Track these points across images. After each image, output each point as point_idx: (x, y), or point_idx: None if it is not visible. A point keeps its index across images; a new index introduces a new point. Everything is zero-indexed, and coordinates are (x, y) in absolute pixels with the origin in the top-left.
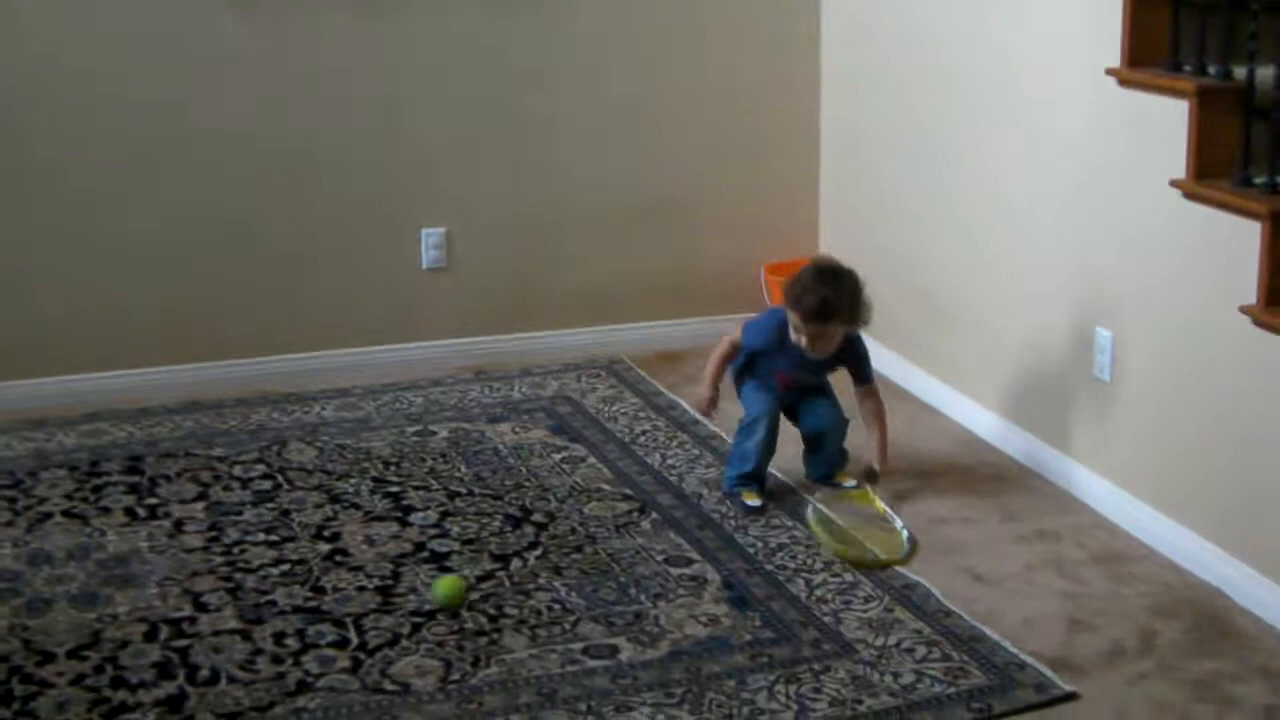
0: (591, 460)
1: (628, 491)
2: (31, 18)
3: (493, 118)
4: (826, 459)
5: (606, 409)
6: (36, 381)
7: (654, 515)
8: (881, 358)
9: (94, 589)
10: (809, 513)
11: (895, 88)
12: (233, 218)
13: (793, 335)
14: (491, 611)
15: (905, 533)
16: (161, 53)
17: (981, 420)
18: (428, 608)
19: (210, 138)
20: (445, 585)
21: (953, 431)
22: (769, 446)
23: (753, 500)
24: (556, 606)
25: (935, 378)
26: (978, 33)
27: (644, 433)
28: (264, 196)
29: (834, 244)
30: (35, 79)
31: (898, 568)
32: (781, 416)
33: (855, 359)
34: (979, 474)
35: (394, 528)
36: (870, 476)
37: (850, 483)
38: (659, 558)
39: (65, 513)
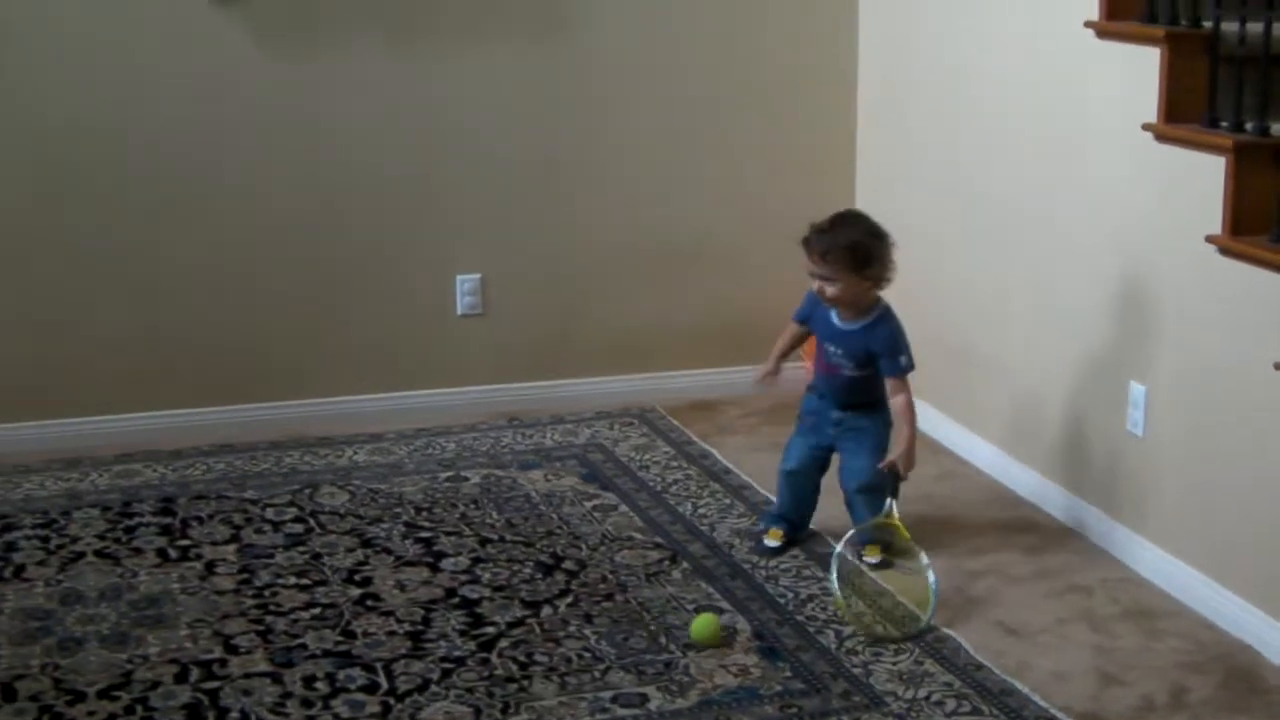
0: (623, 508)
1: (659, 540)
2: (62, 55)
3: (527, 163)
4: (861, 517)
5: (639, 457)
6: (70, 421)
7: (685, 564)
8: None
9: (125, 629)
10: (833, 569)
11: (931, 139)
12: (267, 260)
13: (814, 289)
14: (521, 659)
15: (930, 575)
16: (193, 95)
17: (1015, 474)
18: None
19: (243, 180)
20: (702, 624)
21: (986, 485)
22: (798, 492)
23: (772, 541)
24: (586, 654)
25: (969, 430)
26: (1015, 83)
27: (676, 482)
28: (298, 240)
29: None
30: (69, 120)
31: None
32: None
33: (881, 340)
34: (1011, 527)
35: (425, 573)
36: (893, 478)
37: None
38: (690, 607)
39: (97, 553)
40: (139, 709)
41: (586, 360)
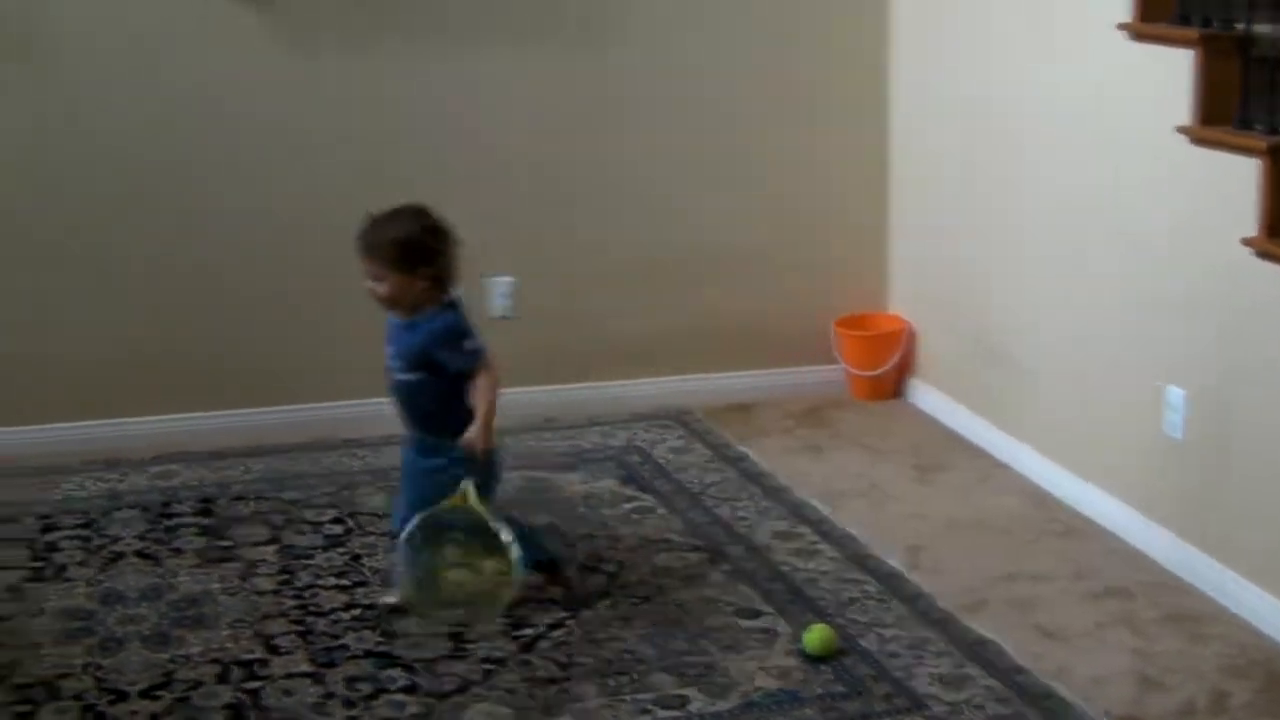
0: (661, 511)
1: (697, 542)
2: (92, 53)
3: (561, 166)
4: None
5: (676, 459)
6: (110, 422)
7: (724, 566)
8: (952, 412)
9: (166, 629)
10: (400, 554)
11: (964, 141)
12: (301, 263)
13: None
14: (562, 660)
15: (515, 550)
16: (223, 95)
17: (1053, 476)
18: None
19: (275, 184)
20: (817, 635)
21: (1023, 487)
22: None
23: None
24: (627, 656)
25: (1005, 433)
26: (1047, 90)
27: (713, 484)
28: (333, 241)
29: (903, 298)
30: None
31: None
32: None
33: (437, 333)
34: (1049, 530)
35: (466, 574)
36: (469, 459)
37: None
38: (729, 609)
39: (138, 553)
40: (181, 709)
41: (621, 363)
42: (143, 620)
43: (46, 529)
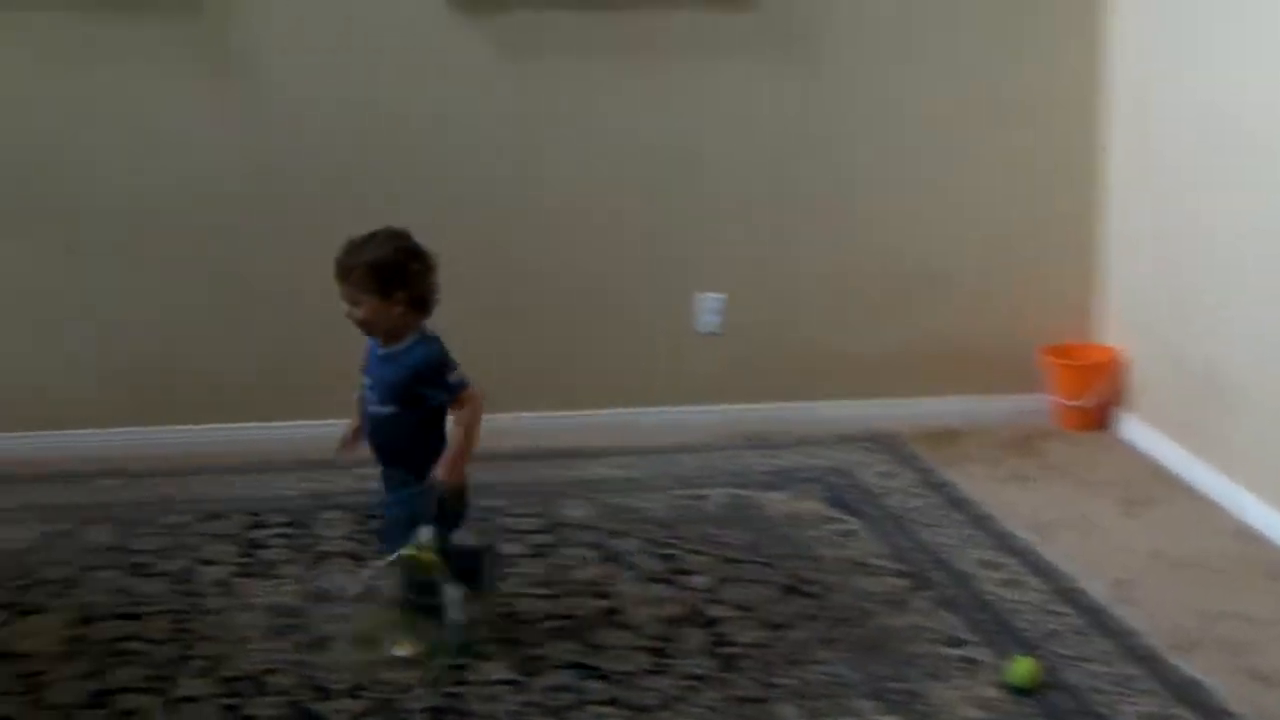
0: (865, 534)
1: (901, 568)
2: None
3: (772, 184)
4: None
5: (880, 483)
6: (319, 423)
7: (928, 593)
8: (1163, 445)
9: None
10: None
11: (1184, 169)
12: (518, 272)
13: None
14: (764, 679)
15: (452, 613)
16: (432, 103)
17: (1259, 511)
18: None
19: (488, 190)
20: (1023, 667)
21: (1237, 527)
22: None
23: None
24: (828, 679)
25: (1219, 470)
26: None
27: (917, 509)
28: (546, 252)
29: (1114, 325)
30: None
31: None
32: None
33: (418, 362)
34: (1264, 572)
35: (668, 589)
36: (432, 496)
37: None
38: (932, 637)
39: (344, 553)
40: (384, 710)
41: (827, 383)
42: (349, 620)
43: (255, 526)
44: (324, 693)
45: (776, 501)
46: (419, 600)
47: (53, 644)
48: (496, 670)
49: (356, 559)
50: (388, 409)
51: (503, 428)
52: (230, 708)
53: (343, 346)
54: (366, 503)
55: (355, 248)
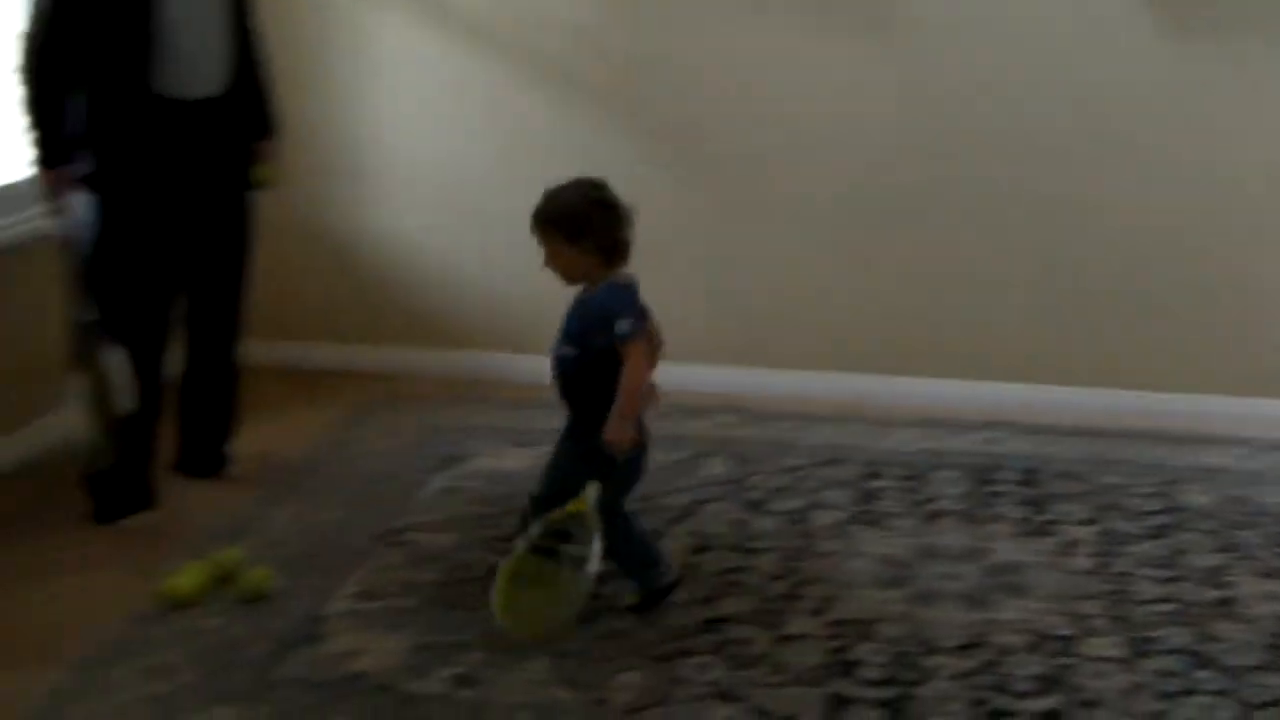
0: None
1: None
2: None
3: None
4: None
5: None
6: (938, 382)
7: None
8: None
9: (981, 593)
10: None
11: None
12: (1168, 253)
13: None
14: None
15: (591, 566)
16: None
17: None
18: None
19: (1133, 167)
20: None
21: None
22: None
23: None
24: None
25: None
26: None
27: None
28: (1199, 229)
29: None
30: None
31: None
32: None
33: (598, 305)
34: None
35: None
36: (603, 456)
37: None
38: None
39: (958, 513)
40: (991, 672)
41: None
42: (959, 579)
43: (870, 476)
44: (930, 648)
45: None
46: (550, 545)
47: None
48: (1105, 647)
49: (971, 519)
50: (568, 350)
51: (1127, 405)
52: (836, 650)
53: (979, 309)
54: (984, 464)
55: (549, 196)
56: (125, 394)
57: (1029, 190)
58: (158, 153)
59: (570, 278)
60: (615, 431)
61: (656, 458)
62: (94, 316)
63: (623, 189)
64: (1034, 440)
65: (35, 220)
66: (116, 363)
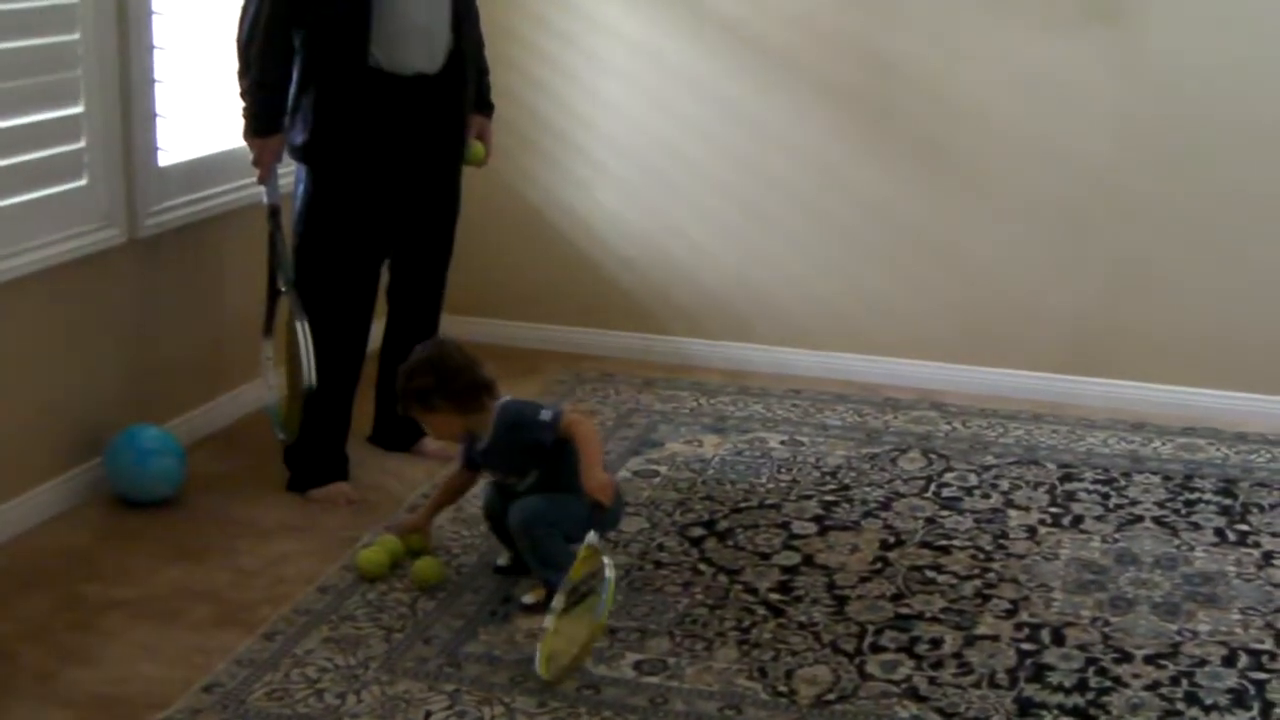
0: None
1: None
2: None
3: None
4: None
5: None
6: (1137, 385)
7: None
8: None
9: (1177, 601)
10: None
11: None
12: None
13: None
14: None
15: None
16: None
17: None
18: None
19: None
20: None
21: None
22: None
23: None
24: None
25: None
26: None
27: None
28: None
29: None
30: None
31: None
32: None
33: (522, 433)
34: None
35: None
36: (593, 506)
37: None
38: None
39: (1155, 519)
40: (1184, 682)
41: None
42: (1155, 586)
43: (1067, 478)
44: (1122, 655)
45: None
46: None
47: (860, 562)
48: None
49: (1168, 526)
50: (532, 477)
51: None
52: (1026, 653)
53: (1153, 312)
54: (1182, 471)
55: (428, 376)
56: (309, 371)
57: (1253, 192)
58: (374, 127)
59: (460, 437)
60: (595, 480)
61: (855, 451)
62: (290, 288)
63: (828, 181)
64: (1234, 448)
65: (239, 190)
66: (304, 339)
